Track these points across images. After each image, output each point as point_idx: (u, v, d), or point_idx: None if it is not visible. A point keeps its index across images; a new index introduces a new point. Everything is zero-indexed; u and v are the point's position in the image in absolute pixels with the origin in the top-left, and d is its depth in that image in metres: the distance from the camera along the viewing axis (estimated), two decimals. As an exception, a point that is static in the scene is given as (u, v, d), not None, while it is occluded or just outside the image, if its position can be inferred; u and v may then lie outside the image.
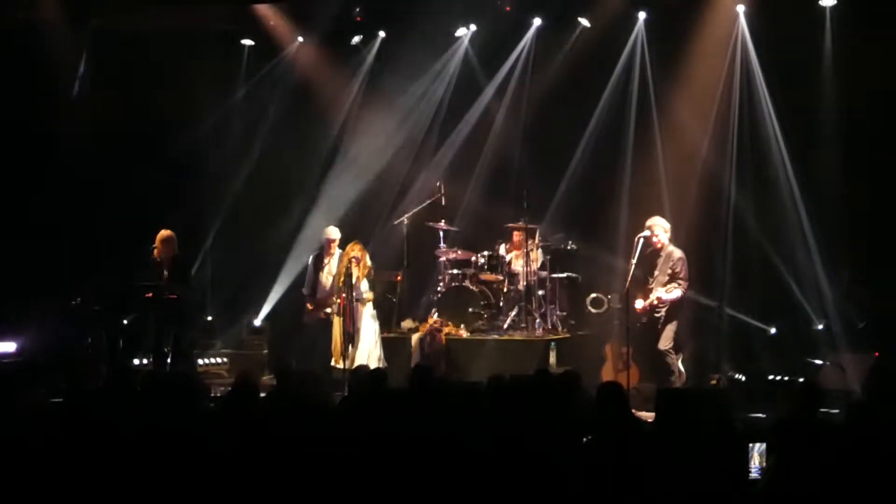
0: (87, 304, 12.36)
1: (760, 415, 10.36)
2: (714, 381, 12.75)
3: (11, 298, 13.42)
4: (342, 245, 13.20)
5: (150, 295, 12.18)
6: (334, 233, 13.41)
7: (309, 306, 13.39)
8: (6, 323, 13.27)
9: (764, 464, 6.26)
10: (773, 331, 13.25)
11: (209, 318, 15.32)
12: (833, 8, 13.21)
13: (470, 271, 14.07)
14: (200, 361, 14.38)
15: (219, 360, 14.92)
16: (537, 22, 14.87)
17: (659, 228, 11.64)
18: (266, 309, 15.35)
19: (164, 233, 12.52)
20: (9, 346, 13.02)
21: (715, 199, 13.76)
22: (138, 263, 12.63)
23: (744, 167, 13.68)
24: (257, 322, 15.31)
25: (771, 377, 12.48)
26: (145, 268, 12.48)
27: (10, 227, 13.76)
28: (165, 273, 12.42)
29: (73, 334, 13.05)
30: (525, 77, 15.01)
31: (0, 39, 13.91)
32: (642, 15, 14.33)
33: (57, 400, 8.29)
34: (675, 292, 11.51)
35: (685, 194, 13.64)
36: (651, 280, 11.68)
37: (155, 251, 12.43)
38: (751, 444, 6.49)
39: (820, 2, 13.26)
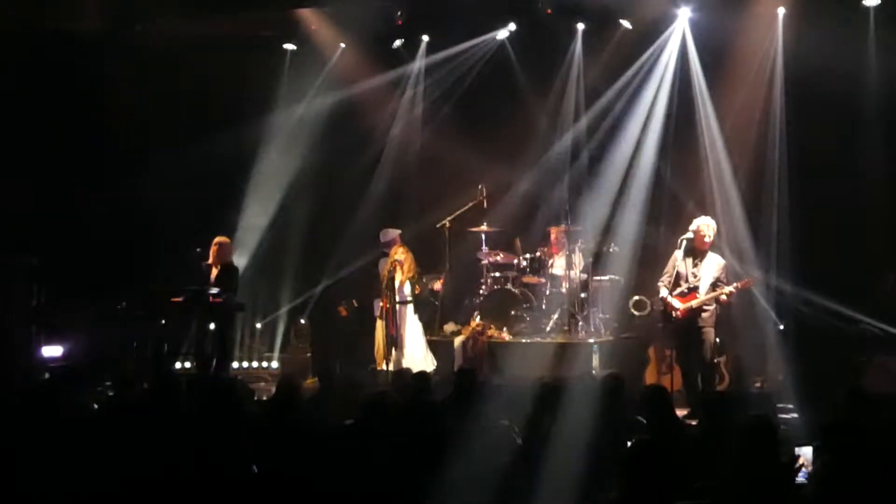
0: (132, 309, 12.44)
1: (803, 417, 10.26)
2: (759, 384, 12.61)
3: (58, 303, 13.57)
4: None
5: (184, 300, 12.27)
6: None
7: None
8: (53, 328, 13.42)
9: (811, 467, 6.21)
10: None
11: (258, 326, 15.42)
12: (877, 8, 13.13)
13: (512, 274, 14.03)
14: (246, 364, 14.52)
15: (265, 364, 15.07)
16: (581, 27, 14.83)
17: (709, 229, 11.44)
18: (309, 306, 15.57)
19: (219, 239, 12.69)
20: (56, 351, 13.17)
21: (759, 199, 13.66)
22: (187, 267, 12.74)
23: (788, 167, 13.56)
24: (303, 320, 15.42)
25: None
26: (193, 272, 12.60)
27: (57, 233, 13.86)
28: (213, 278, 12.51)
29: (119, 339, 13.16)
30: (567, 79, 14.98)
31: (43, 51, 14.05)
32: (684, 16, 14.25)
33: (103, 404, 8.38)
34: (725, 290, 11.25)
35: (729, 194, 13.55)
36: (691, 282, 11.43)
37: (209, 256, 12.55)
38: (797, 448, 6.44)
39: (863, 2, 13.17)
